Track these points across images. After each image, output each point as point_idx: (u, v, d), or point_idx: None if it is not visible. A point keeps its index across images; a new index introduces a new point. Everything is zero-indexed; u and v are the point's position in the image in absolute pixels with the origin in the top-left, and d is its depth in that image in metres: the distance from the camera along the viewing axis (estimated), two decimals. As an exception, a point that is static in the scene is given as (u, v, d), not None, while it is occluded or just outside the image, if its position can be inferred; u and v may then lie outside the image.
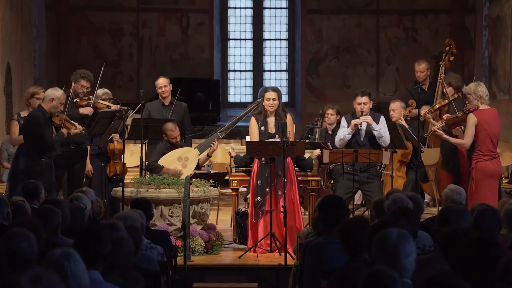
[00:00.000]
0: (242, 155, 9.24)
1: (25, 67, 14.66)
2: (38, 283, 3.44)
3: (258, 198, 8.77)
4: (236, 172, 9.33)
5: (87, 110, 9.69)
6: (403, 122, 10.40)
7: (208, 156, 9.83)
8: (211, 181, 9.02)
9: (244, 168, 9.24)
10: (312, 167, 9.36)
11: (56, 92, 8.98)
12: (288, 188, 8.69)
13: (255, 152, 8.78)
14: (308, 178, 9.36)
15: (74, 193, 7.52)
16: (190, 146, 10.24)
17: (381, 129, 9.30)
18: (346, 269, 4.68)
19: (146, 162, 9.86)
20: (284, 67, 19.26)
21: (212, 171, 10.33)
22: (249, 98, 18.75)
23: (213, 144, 9.76)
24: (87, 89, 9.75)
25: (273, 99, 8.95)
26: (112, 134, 9.82)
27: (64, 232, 5.72)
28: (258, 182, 8.79)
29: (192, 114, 11.16)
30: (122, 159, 9.43)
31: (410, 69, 12.75)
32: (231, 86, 19.28)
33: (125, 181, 8.88)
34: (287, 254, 8.02)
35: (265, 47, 19.24)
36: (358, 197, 10.79)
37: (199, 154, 9.72)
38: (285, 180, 8.62)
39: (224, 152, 12.48)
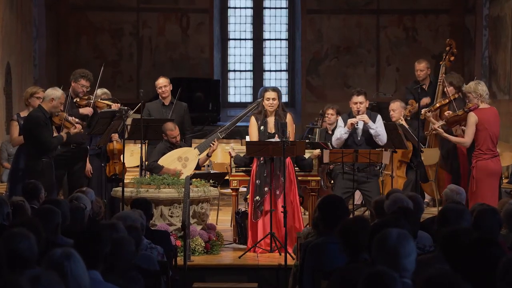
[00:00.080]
0: (242, 155, 9.24)
1: (25, 67, 14.66)
2: (38, 283, 3.44)
3: (257, 197, 8.77)
4: (236, 172, 9.33)
5: (87, 110, 9.69)
6: (403, 122, 10.39)
7: (208, 156, 9.84)
8: (211, 181, 9.02)
9: (244, 168, 9.24)
10: (312, 167, 9.36)
11: (56, 92, 8.97)
12: (287, 188, 8.69)
13: (255, 152, 8.78)
14: (308, 178, 9.36)
15: (74, 193, 7.52)
16: (190, 146, 10.24)
17: (378, 128, 9.30)
18: (346, 269, 4.68)
19: (146, 162, 9.87)
20: (284, 67, 19.26)
21: (212, 171, 10.33)
22: (249, 98, 18.74)
23: (213, 144, 9.77)
24: (86, 88, 9.75)
25: (273, 99, 8.96)
26: (112, 134, 9.82)
27: (64, 232, 5.72)
28: (257, 181, 8.80)
29: (192, 114, 11.16)
30: (122, 159, 9.42)
31: (410, 69, 12.75)
32: (231, 86, 19.28)
33: (125, 181, 8.88)
34: (287, 254, 8.02)
35: (265, 47, 19.24)
36: (358, 197, 10.79)
37: (199, 154, 9.72)
38: (283, 180, 8.62)
39: (224, 152, 12.49)
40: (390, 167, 10.34)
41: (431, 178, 11.19)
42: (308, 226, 8.42)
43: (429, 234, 5.91)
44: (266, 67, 19.28)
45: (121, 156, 9.46)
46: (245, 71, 19.28)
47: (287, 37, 19.16)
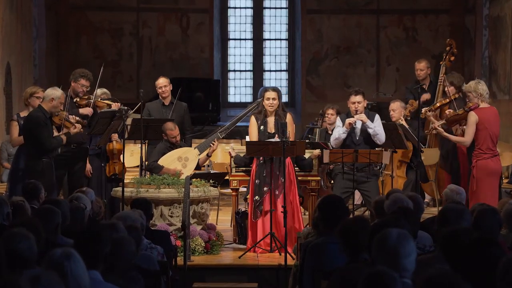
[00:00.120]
0: (242, 155, 9.24)
1: (25, 67, 14.66)
2: (37, 283, 3.44)
3: (256, 197, 8.77)
4: (236, 172, 9.33)
5: (87, 111, 9.69)
6: (403, 122, 10.39)
7: (208, 156, 9.84)
8: (211, 181, 9.02)
9: (244, 168, 9.24)
10: (312, 167, 9.36)
11: (56, 92, 8.97)
12: (287, 188, 8.69)
13: (255, 152, 8.78)
14: (308, 178, 9.36)
15: (74, 193, 7.52)
16: (190, 146, 10.24)
17: (376, 127, 9.29)
18: (346, 269, 4.68)
19: (146, 162, 9.86)
20: (284, 67, 19.25)
21: (212, 171, 10.33)
22: (249, 98, 18.74)
23: (213, 144, 9.77)
24: (86, 88, 9.75)
25: (273, 99, 8.96)
26: (112, 134, 9.82)
27: (64, 232, 5.72)
28: (256, 181, 8.80)
29: (192, 114, 11.16)
30: (122, 159, 9.42)
31: (410, 69, 12.75)
32: (231, 86, 19.28)
33: (125, 181, 8.88)
34: (287, 254, 8.02)
35: (265, 47, 19.24)
36: (358, 197, 10.79)
37: (199, 154, 9.72)
38: (283, 180, 8.62)
39: (224, 152, 12.48)
40: (390, 167, 10.34)
41: (431, 178, 11.19)
42: (308, 226, 8.42)
43: (429, 234, 5.91)
44: (266, 67, 19.28)
45: (121, 156, 9.46)
46: (245, 71, 19.28)
47: (287, 37, 19.16)
